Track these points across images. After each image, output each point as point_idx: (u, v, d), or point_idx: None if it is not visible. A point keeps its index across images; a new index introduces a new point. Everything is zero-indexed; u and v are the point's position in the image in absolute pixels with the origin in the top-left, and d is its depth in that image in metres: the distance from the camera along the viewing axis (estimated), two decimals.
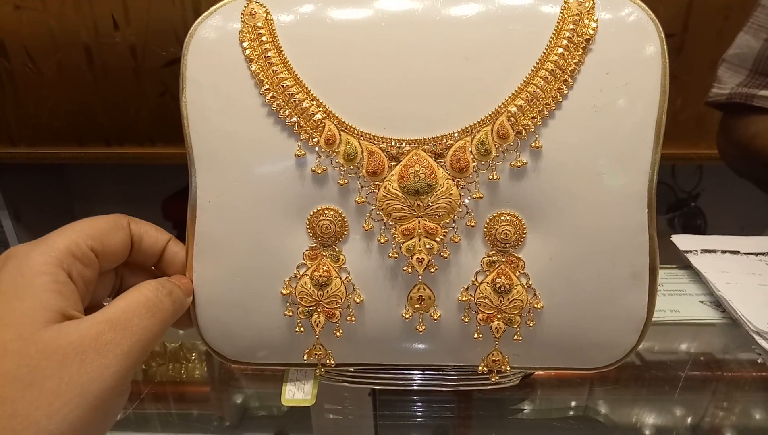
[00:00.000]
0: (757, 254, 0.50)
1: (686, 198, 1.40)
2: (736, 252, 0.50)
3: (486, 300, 0.31)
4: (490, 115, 0.29)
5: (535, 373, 0.39)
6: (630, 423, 0.41)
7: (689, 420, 0.41)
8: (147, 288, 0.27)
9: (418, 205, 0.29)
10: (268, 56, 0.30)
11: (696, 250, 0.51)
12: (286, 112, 0.30)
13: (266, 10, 0.30)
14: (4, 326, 0.23)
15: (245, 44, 0.30)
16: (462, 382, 0.35)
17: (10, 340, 0.22)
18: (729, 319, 0.44)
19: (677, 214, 1.41)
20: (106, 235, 0.28)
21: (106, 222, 0.29)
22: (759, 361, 0.41)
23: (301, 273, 0.31)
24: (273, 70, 0.30)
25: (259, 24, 0.30)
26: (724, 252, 0.50)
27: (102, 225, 0.28)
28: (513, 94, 0.29)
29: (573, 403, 0.42)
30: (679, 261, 0.52)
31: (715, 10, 1.02)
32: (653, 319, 0.32)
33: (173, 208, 1.38)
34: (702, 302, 0.46)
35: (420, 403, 0.40)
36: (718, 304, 0.46)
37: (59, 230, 0.27)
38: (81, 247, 0.27)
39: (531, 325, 0.31)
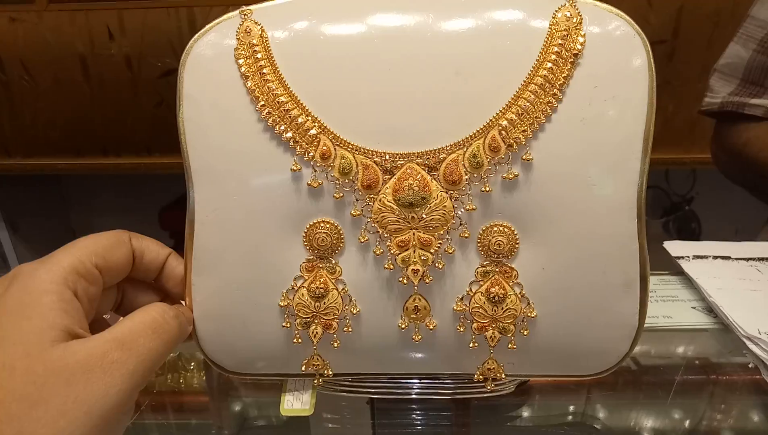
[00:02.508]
0: (748, 260, 0.51)
1: (680, 202, 1.42)
2: (728, 258, 0.51)
3: (480, 309, 0.31)
4: (481, 128, 0.30)
5: (531, 380, 0.39)
6: (625, 427, 0.41)
7: (683, 423, 0.41)
8: (154, 309, 0.28)
9: (413, 217, 0.30)
10: (264, 73, 0.30)
11: (688, 256, 0.51)
12: (282, 127, 0.30)
13: (261, 27, 0.31)
14: (11, 345, 0.23)
15: (241, 61, 0.31)
16: (458, 390, 0.35)
17: (18, 358, 0.23)
18: (721, 325, 0.45)
19: (672, 218, 1.42)
20: (109, 251, 0.29)
21: (109, 238, 0.29)
22: (750, 365, 0.41)
23: (298, 285, 0.32)
24: (268, 87, 0.30)
25: (254, 41, 0.31)
26: (715, 258, 0.51)
27: (105, 241, 0.29)
28: (504, 108, 0.29)
29: (569, 410, 0.42)
30: (672, 267, 0.52)
31: (705, 17, 1.03)
32: (646, 325, 0.32)
33: (170, 217, 1.38)
34: (694, 308, 0.47)
35: (418, 411, 0.41)
36: (710, 309, 0.46)
37: (63, 248, 0.27)
38: (85, 264, 0.27)
39: (525, 333, 0.32)
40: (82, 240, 0.28)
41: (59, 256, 0.26)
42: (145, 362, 0.25)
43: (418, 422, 0.40)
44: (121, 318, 0.28)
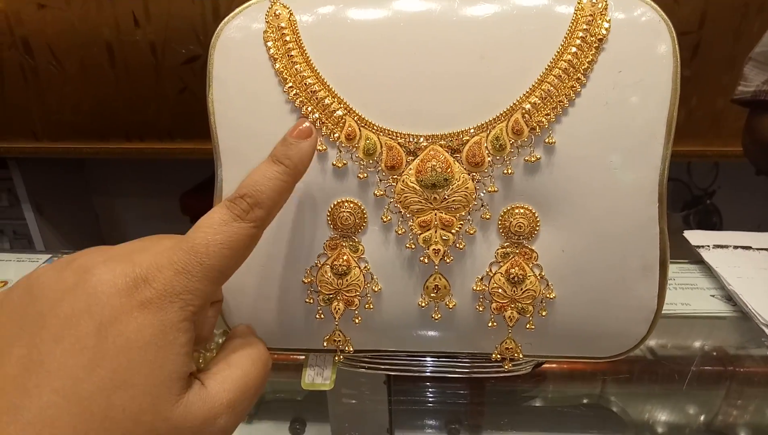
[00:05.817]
0: None
1: (702, 195, 1.40)
2: (748, 247, 0.51)
3: (500, 290, 0.32)
4: (505, 112, 0.30)
5: (546, 362, 0.40)
6: (638, 410, 0.42)
7: (697, 411, 0.41)
8: (261, 359, 0.27)
9: (435, 198, 0.31)
10: (292, 55, 0.31)
11: (708, 246, 0.51)
12: (309, 108, 0.31)
13: (289, 11, 0.32)
14: (141, 394, 0.21)
15: (269, 44, 0.31)
16: (475, 370, 0.36)
17: (145, 410, 0.22)
18: (740, 313, 0.45)
19: (693, 212, 1.40)
20: None
21: None
22: None
23: (321, 262, 0.33)
24: (296, 69, 0.31)
25: (283, 24, 0.31)
26: (735, 247, 0.51)
27: None
28: (527, 92, 0.30)
29: (584, 392, 0.43)
30: (692, 256, 0.52)
31: (732, 9, 1.02)
32: (664, 311, 0.32)
33: (191, 202, 1.40)
34: (713, 296, 0.47)
35: (434, 390, 0.42)
36: (729, 298, 0.46)
37: (198, 265, 0.24)
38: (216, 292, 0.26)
39: (543, 314, 0.32)
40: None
41: (196, 283, 0.23)
42: (240, 419, 0.25)
43: (434, 400, 0.41)
44: (232, 352, 0.27)
